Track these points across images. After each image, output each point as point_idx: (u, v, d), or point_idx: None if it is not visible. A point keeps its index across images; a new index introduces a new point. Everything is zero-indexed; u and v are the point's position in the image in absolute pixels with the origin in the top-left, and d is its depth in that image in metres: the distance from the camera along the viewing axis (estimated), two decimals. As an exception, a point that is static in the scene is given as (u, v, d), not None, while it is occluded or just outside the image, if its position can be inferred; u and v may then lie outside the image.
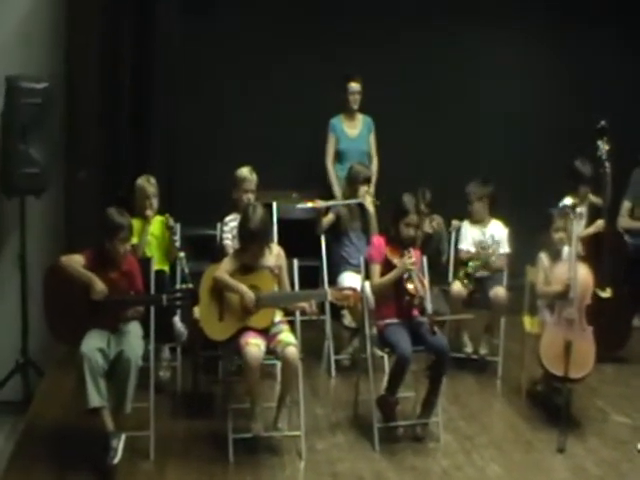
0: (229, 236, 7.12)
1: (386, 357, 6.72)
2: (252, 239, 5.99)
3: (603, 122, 8.01)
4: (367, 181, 7.69)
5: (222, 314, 5.97)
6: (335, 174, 8.62)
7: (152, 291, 6.22)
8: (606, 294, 7.83)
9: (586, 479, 5.86)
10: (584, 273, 6.76)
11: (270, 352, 5.95)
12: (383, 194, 7.99)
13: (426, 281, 6.52)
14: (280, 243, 6.62)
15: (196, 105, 8.83)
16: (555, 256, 7.00)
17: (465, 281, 7.45)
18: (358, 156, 8.49)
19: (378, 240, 6.55)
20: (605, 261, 7.82)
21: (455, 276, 7.68)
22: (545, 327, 6.71)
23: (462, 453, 6.12)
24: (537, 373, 6.91)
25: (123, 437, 5.69)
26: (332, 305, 7.17)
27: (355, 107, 8.64)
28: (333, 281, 7.43)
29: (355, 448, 6.14)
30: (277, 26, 9.03)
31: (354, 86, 8.58)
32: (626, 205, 8.93)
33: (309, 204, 7.84)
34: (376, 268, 6.34)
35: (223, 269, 6.00)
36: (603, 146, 7.98)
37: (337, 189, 8.50)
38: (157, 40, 8.29)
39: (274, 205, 7.80)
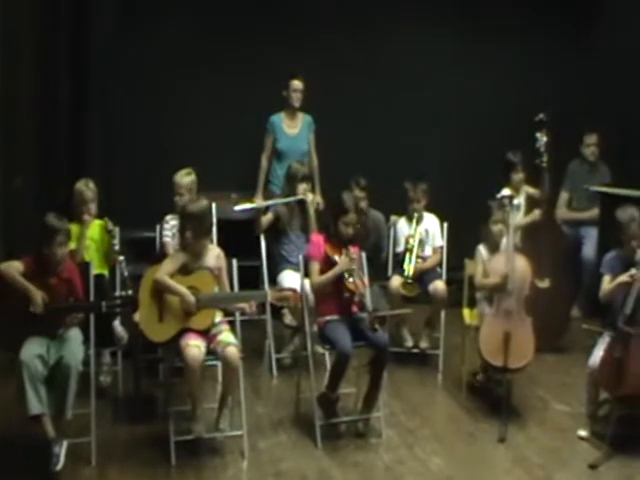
0: (169, 234, 7.19)
1: (327, 354, 6.82)
2: (193, 219, 6.08)
3: (541, 115, 8.23)
4: (306, 179, 7.78)
5: (162, 316, 6.02)
6: (267, 171, 8.70)
7: (92, 296, 6.23)
8: (544, 284, 8.03)
9: (527, 468, 6.02)
10: (522, 264, 6.94)
11: (211, 352, 6.01)
12: (323, 192, 8.18)
13: (365, 278, 6.62)
14: (220, 244, 6.72)
15: (134, 107, 8.86)
16: (494, 248, 7.18)
17: (408, 287, 7.60)
18: (298, 155, 8.55)
19: (317, 238, 6.65)
20: (543, 251, 8.01)
21: (395, 272, 7.79)
22: (484, 319, 6.88)
23: (404, 447, 6.25)
24: (478, 365, 7.09)
25: (65, 443, 5.73)
26: (273, 304, 7.24)
27: (297, 105, 8.67)
28: (273, 280, 7.54)
29: (298, 446, 6.24)
30: (217, 26, 9.08)
31: (296, 84, 8.62)
32: (564, 196, 9.22)
33: (248, 205, 7.93)
34: (315, 266, 6.43)
35: (163, 271, 6.05)
36: (541, 138, 8.20)
37: (261, 185, 8.64)
38: (94, 43, 8.33)
39: (213, 206, 7.82)
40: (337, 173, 8.19)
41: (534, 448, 6.28)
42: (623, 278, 6.26)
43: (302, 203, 7.67)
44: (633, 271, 6.23)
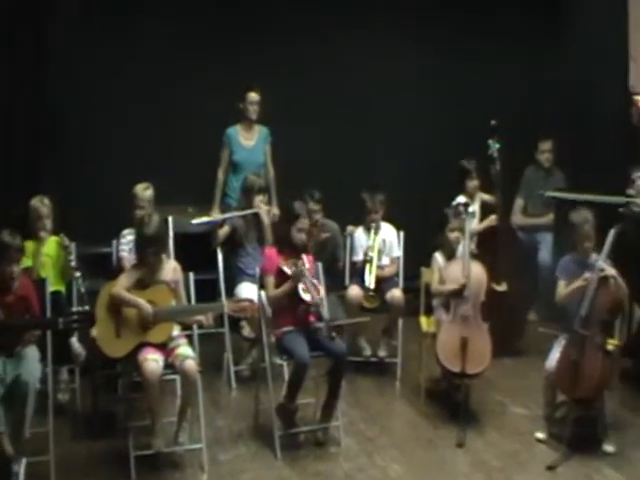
0: (126, 249, 7.23)
1: (285, 365, 6.85)
2: (149, 244, 6.10)
3: (494, 122, 8.35)
4: (262, 191, 7.85)
5: (119, 331, 6.06)
6: (224, 184, 8.70)
7: (48, 313, 6.26)
8: (502, 288, 8.16)
9: (487, 471, 6.13)
10: (478, 271, 7.07)
11: (169, 366, 6.06)
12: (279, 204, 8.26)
13: (321, 287, 6.71)
14: (177, 257, 6.77)
15: (88, 122, 8.87)
16: (450, 255, 7.28)
17: (369, 299, 7.68)
18: (254, 167, 8.57)
19: (270, 251, 6.73)
20: (500, 255, 8.14)
21: (352, 282, 7.88)
22: (441, 326, 6.97)
23: (364, 455, 6.33)
24: (436, 372, 7.20)
25: (24, 462, 5.74)
26: (231, 317, 7.32)
27: (254, 117, 8.69)
28: (231, 293, 7.57)
29: (257, 457, 6.30)
30: (172, 40, 9.07)
31: (253, 96, 8.64)
32: (519, 202, 9.36)
33: (205, 218, 7.97)
34: (270, 280, 6.51)
35: (119, 285, 6.10)
36: (494, 145, 8.32)
37: (218, 198, 8.64)
38: (49, 58, 8.34)
39: (170, 220, 7.88)
40: (293, 184, 8.21)
41: (493, 452, 6.40)
42: (579, 283, 6.40)
43: (258, 215, 7.74)
44: (587, 275, 6.38)
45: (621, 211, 7.27)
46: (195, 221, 7.94)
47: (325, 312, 6.44)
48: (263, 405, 6.69)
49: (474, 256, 7.44)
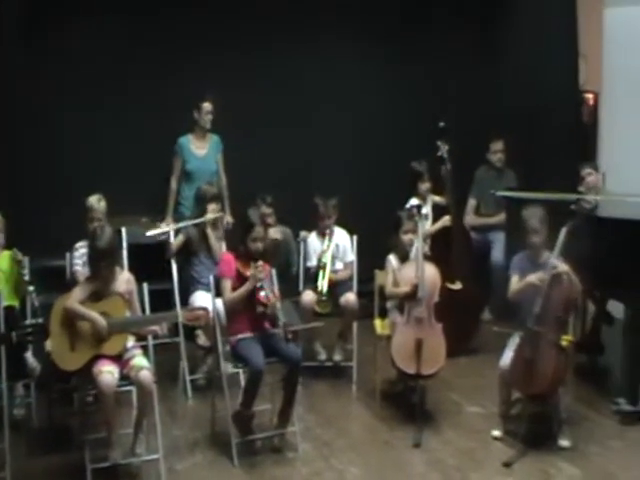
0: (79, 262, 7.23)
1: (241, 372, 6.88)
2: (102, 257, 6.11)
3: (442, 123, 8.47)
4: (215, 199, 7.90)
5: (74, 344, 6.05)
6: (177, 193, 8.78)
7: (2, 328, 6.27)
8: (456, 287, 8.29)
9: (443, 470, 6.21)
10: (431, 272, 7.16)
11: (124, 378, 6.08)
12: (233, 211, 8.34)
13: (277, 291, 6.77)
14: (131, 268, 6.79)
15: (38, 134, 8.86)
16: (403, 258, 7.37)
17: (322, 304, 7.77)
18: (207, 175, 8.65)
19: (228, 256, 6.78)
20: (453, 255, 8.26)
21: (306, 287, 7.96)
22: (396, 328, 7.05)
23: (321, 459, 6.39)
24: (391, 374, 7.28)
25: (-20, 479, 5.76)
26: (186, 326, 7.36)
27: (208, 127, 8.77)
28: (185, 302, 7.61)
29: (215, 465, 6.33)
30: (122, 50, 9.08)
31: (207, 106, 8.72)
32: (471, 203, 9.48)
33: (159, 229, 7.98)
34: (227, 283, 6.54)
35: (73, 298, 6.10)
36: (443, 146, 8.44)
37: (171, 208, 8.73)
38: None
39: (123, 230, 7.91)
40: (246, 191, 8.30)
41: (449, 451, 6.49)
42: (532, 279, 6.50)
43: (214, 224, 7.81)
44: (540, 273, 6.48)
45: (572, 208, 7.36)
46: (149, 233, 7.95)
47: (280, 315, 6.47)
48: (219, 413, 6.71)
49: (427, 257, 7.53)
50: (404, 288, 7.09)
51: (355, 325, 7.86)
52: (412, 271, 7.05)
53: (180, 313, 6.42)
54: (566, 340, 6.64)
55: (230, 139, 8.93)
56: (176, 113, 8.79)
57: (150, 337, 6.41)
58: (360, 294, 7.88)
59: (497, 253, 9.04)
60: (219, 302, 6.69)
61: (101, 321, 6.00)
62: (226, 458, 6.37)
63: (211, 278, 6.84)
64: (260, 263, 6.48)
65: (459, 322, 8.00)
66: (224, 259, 6.79)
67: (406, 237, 7.40)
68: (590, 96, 10.67)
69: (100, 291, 6.16)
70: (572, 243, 6.72)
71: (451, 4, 10.11)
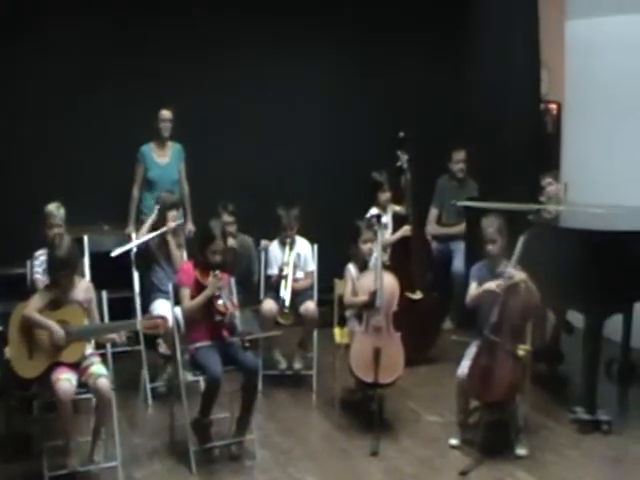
0: (39, 270, 7.21)
1: (201, 380, 6.87)
2: (61, 266, 6.13)
3: (402, 133, 8.56)
4: (175, 207, 7.95)
5: (32, 352, 6.08)
6: (138, 201, 8.84)
7: (-39, 336, 6.30)
8: (416, 296, 8.37)
9: (400, 478, 6.29)
10: (390, 281, 7.24)
11: (82, 385, 6.10)
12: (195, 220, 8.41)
13: (235, 300, 6.86)
14: (93, 276, 6.83)
15: (-1, 142, 8.90)
16: (362, 267, 7.44)
17: (285, 316, 7.82)
18: (169, 184, 8.70)
19: (187, 264, 6.87)
20: (413, 265, 8.34)
21: (267, 296, 8.02)
22: (354, 336, 7.12)
23: (278, 468, 6.43)
24: (350, 383, 7.32)
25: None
26: (147, 334, 7.37)
27: (167, 135, 8.83)
28: (146, 310, 7.63)
29: (173, 473, 6.36)
30: (84, 59, 9.12)
31: (165, 114, 8.79)
32: (433, 212, 9.57)
33: (123, 248, 7.88)
34: (186, 292, 6.60)
35: (32, 306, 6.11)
36: (403, 156, 8.53)
37: (133, 216, 8.81)
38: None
39: (85, 239, 7.92)
40: (209, 200, 8.33)
41: (406, 459, 6.55)
42: (490, 285, 6.59)
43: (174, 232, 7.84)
44: (499, 281, 6.57)
45: (530, 218, 7.45)
46: (114, 253, 7.78)
47: (238, 323, 6.58)
48: (178, 421, 6.74)
49: (386, 267, 7.62)
50: (362, 297, 7.16)
51: (315, 334, 7.93)
52: (371, 280, 7.13)
53: (138, 321, 6.46)
54: (523, 349, 6.75)
55: (193, 148, 9.00)
56: (139, 121, 8.84)
57: (109, 345, 6.43)
58: (321, 303, 7.96)
59: (458, 263, 9.12)
60: (178, 310, 6.75)
61: (58, 330, 6.02)
62: (184, 466, 6.40)
63: (170, 286, 6.90)
64: (218, 272, 6.56)
65: (419, 331, 8.13)
66: (183, 268, 6.85)
67: (365, 246, 7.48)
68: (554, 106, 10.79)
69: (59, 299, 6.18)
70: (533, 253, 6.84)
71: (414, 15, 10.18)
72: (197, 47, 9.43)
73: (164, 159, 8.89)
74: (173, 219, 7.81)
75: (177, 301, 6.76)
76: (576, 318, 7.83)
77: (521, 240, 6.70)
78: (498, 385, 6.41)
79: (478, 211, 7.76)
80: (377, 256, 7.27)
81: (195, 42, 9.42)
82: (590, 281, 6.96)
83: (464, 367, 6.59)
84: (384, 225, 8.03)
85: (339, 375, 7.30)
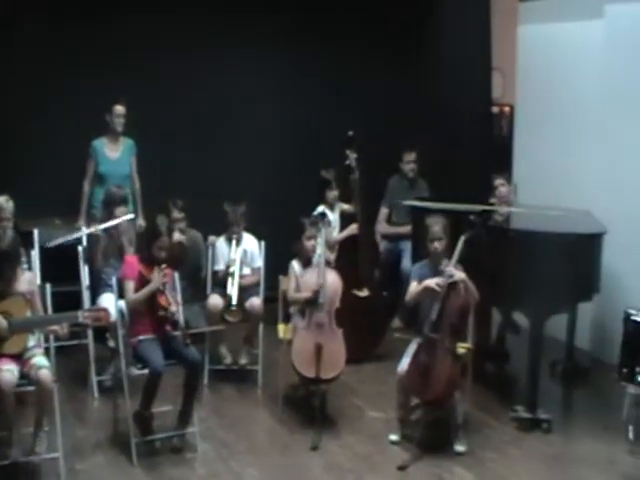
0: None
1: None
2: (4, 259, 6.18)
3: (351, 132, 8.65)
4: (123, 202, 8.01)
5: (-26, 343, 6.13)
6: (90, 195, 8.85)
7: None
8: (364, 293, 8.49)
9: (339, 474, 6.39)
10: (333, 278, 7.36)
11: (24, 376, 6.13)
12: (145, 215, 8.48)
13: (179, 297, 6.95)
14: (43, 269, 6.85)
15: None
16: (306, 263, 7.55)
17: (232, 313, 7.87)
18: (119, 179, 8.72)
19: (131, 258, 6.96)
20: (361, 262, 8.45)
21: (214, 291, 8.07)
22: (296, 332, 7.22)
23: (219, 461, 6.52)
24: (294, 378, 7.40)
25: None
26: (97, 328, 7.40)
27: (120, 130, 8.86)
28: (94, 304, 7.65)
29: (114, 465, 6.42)
30: (38, 54, 9.13)
31: (119, 109, 8.81)
32: (383, 211, 9.66)
33: (60, 239, 7.93)
34: (130, 285, 6.68)
35: (-26, 298, 6.18)
36: (351, 155, 8.63)
37: (84, 210, 8.81)
38: None
39: (35, 232, 7.97)
40: (160, 195, 8.38)
41: (347, 454, 6.66)
42: (429, 283, 6.70)
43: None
44: (439, 280, 6.69)
45: (471, 219, 7.57)
46: (50, 244, 7.88)
47: (181, 319, 6.66)
48: (123, 413, 6.80)
49: (334, 264, 7.75)
50: (305, 294, 7.27)
51: (261, 330, 8.00)
52: (314, 277, 7.24)
53: (80, 314, 6.50)
54: (462, 347, 6.88)
55: (144, 143, 9.04)
56: (91, 116, 8.83)
57: (52, 337, 6.49)
58: (267, 299, 8.04)
59: (407, 262, 9.13)
60: (122, 303, 6.82)
61: (1, 321, 6.05)
62: (126, 458, 6.46)
63: (114, 280, 6.97)
64: (164, 266, 6.64)
65: (366, 328, 8.26)
66: (127, 261, 6.93)
67: (308, 243, 7.60)
68: (508, 109, 10.93)
69: (2, 291, 6.19)
70: (478, 253, 6.98)
71: (366, 16, 10.25)
72: (150, 44, 9.46)
73: (115, 154, 8.92)
74: (121, 214, 7.87)
75: (121, 294, 6.83)
76: (522, 318, 7.93)
77: (462, 240, 6.85)
78: (436, 382, 6.54)
79: (424, 211, 7.88)
80: (320, 253, 7.39)
81: (147, 40, 9.44)
82: (532, 282, 7.08)
83: (404, 364, 6.70)
84: (329, 223, 8.15)
85: (283, 371, 7.37)
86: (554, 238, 7.28)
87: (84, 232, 7.98)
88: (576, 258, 7.22)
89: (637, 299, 7.59)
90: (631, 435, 6.94)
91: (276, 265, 7.94)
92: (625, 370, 6.97)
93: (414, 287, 6.85)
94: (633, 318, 7.05)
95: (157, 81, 9.55)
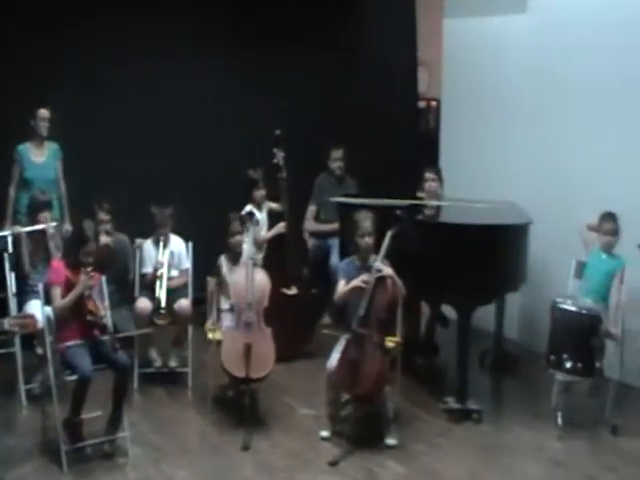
0: None
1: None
2: None
3: (278, 131, 8.69)
4: (47, 207, 7.95)
5: None
6: (15, 201, 8.73)
7: None
8: (292, 291, 8.54)
9: (270, 472, 6.43)
10: (261, 278, 7.37)
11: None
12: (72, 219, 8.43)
13: (106, 301, 6.92)
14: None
15: None
16: (234, 260, 7.59)
17: (161, 317, 7.86)
18: (45, 183, 8.64)
19: (57, 263, 6.89)
20: (289, 261, 8.49)
21: (142, 294, 8.06)
22: (225, 332, 7.25)
23: (150, 464, 6.51)
24: (225, 379, 7.42)
25: None
26: (25, 335, 7.35)
27: (45, 134, 8.76)
28: (21, 310, 7.59)
29: (45, 474, 6.37)
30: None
31: (44, 113, 8.72)
32: (311, 209, 9.70)
33: None
34: (57, 291, 6.62)
35: None
36: (279, 153, 8.67)
37: (9, 215, 8.68)
38: None
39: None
40: (86, 199, 8.34)
41: (278, 453, 6.70)
42: (356, 283, 6.76)
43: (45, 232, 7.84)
44: (365, 276, 6.75)
45: (398, 214, 7.63)
46: None
47: (109, 324, 6.63)
48: (52, 421, 6.74)
49: (264, 263, 7.78)
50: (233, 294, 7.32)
51: (190, 331, 8.01)
52: (242, 277, 7.24)
53: (6, 321, 6.45)
54: (391, 341, 6.95)
55: (69, 147, 8.94)
56: (16, 120, 8.74)
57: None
58: (196, 301, 8.04)
59: (335, 258, 9.17)
60: (48, 310, 6.78)
61: None
62: (56, 466, 6.41)
63: (40, 286, 6.92)
64: (90, 269, 6.61)
65: (295, 327, 8.29)
66: (54, 267, 6.87)
67: (234, 239, 7.68)
68: (434, 104, 11.03)
69: None
70: (405, 247, 7.05)
71: (293, 14, 10.28)
72: (73, 46, 9.39)
73: (40, 158, 8.82)
74: (45, 220, 7.83)
75: (48, 301, 6.78)
76: (451, 311, 8.01)
77: (389, 235, 6.90)
78: (366, 377, 6.60)
79: (352, 207, 7.92)
80: (248, 253, 7.41)
81: (71, 41, 9.37)
82: (458, 274, 7.18)
83: (333, 360, 6.74)
84: (257, 222, 8.18)
85: (213, 372, 7.38)
86: (479, 230, 7.39)
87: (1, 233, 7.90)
88: (502, 249, 7.35)
89: (563, 288, 7.69)
90: (560, 421, 7.09)
91: (204, 266, 7.96)
92: (553, 358, 7.08)
93: (342, 287, 6.90)
94: (560, 306, 7.16)
95: (77, 83, 9.44)
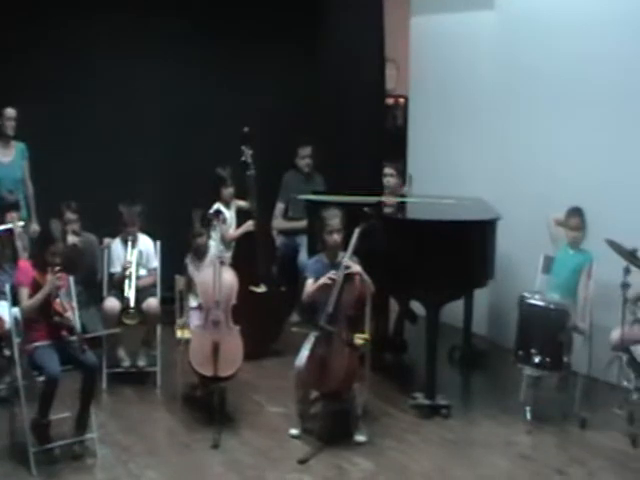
0: None
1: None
2: None
3: (246, 129, 8.68)
4: (14, 207, 7.93)
5: None
6: None
7: None
8: (261, 289, 8.53)
9: (240, 470, 6.41)
10: (228, 276, 7.36)
11: None
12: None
13: (74, 302, 6.87)
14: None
15: None
16: (200, 257, 7.61)
17: (130, 316, 7.83)
18: (11, 183, 8.61)
19: (24, 264, 6.86)
20: (258, 259, 8.50)
21: (110, 294, 8.03)
22: (194, 331, 7.25)
23: (119, 465, 6.48)
24: (194, 378, 7.39)
25: None
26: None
27: (11, 133, 8.74)
28: (-11, 312, 7.60)
29: (13, 476, 6.31)
30: None
31: (10, 112, 8.70)
32: (280, 207, 9.71)
33: None
34: (24, 291, 6.58)
35: None
36: (247, 151, 8.66)
37: None
38: None
39: None
40: (54, 199, 8.32)
41: (247, 450, 6.70)
42: (324, 280, 6.76)
43: (12, 232, 7.80)
44: (333, 273, 6.76)
45: (366, 210, 7.64)
46: None
47: (77, 324, 6.61)
48: (20, 423, 6.69)
49: (232, 261, 7.78)
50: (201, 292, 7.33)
51: (159, 330, 8.00)
52: (209, 274, 7.22)
53: (-27, 323, 6.46)
54: (361, 338, 6.97)
55: (36, 146, 8.92)
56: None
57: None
58: (164, 300, 8.03)
59: (304, 256, 9.16)
60: (16, 311, 6.74)
61: None
62: (24, 468, 6.36)
63: (7, 287, 6.87)
64: (57, 270, 6.59)
65: (264, 325, 8.31)
66: (21, 268, 6.83)
67: (200, 240, 7.79)
68: (402, 100, 11.06)
69: None
70: (372, 244, 7.06)
71: (260, 10, 10.26)
72: (39, 45, 9.36)
73: (7, 158, 8.79)
74: (12, 219, 7.78)
75: (16, 301, 6.74)
76: (419, 307, 8.06)
77: (356, 232, 6.91)
78: (335, 374, 6.61)
79: (320, 205, 7.93)
80: (215, 252, 7.41)
81: (38, 40, 9.35)
82: (426, 270, 7.21)
83: (302, 358, 6.76)
84: (225, 220, 8.19)
85: (182, 371, 7.39)
86: (447, 226, 7.44)
87: None
88: (469, 245, 7.39)
89: (531, 283, 7.74)
90: (528, 416, 7.14)
91: (172, 265, 7.96)
92: (521, 352, 7.13)
93: (310, 284, 6.91)
94: (527, 301, 7.22)
95: (44, 82, 9.42)
